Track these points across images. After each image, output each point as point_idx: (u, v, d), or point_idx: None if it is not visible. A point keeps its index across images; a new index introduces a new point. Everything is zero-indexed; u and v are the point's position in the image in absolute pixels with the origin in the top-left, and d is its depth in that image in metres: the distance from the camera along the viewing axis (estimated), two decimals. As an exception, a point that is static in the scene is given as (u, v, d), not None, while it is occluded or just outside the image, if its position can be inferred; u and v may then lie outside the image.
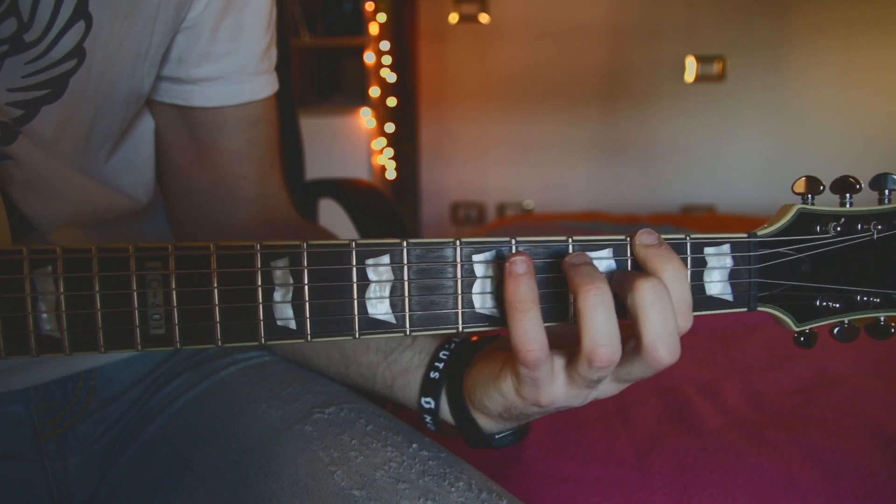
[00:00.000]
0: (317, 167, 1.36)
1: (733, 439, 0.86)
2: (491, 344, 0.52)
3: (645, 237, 0.43)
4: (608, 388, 0.45)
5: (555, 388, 0.43)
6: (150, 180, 0.66)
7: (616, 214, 2.55)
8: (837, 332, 0.48)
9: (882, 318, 0.48)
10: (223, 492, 0.54)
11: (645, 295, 0.39)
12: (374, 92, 2.93)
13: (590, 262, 0.42)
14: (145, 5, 0.52)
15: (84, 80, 0.51)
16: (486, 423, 0.51)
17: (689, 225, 2.18)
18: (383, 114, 3.01)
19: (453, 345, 0.54)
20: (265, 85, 0.64)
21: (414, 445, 0.53)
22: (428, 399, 0.53)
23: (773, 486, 0.78)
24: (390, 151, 3.07)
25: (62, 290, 0.39)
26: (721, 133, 3.09)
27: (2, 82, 0.48)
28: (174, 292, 0.40)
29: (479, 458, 0.89)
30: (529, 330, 0.40)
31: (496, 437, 0.52)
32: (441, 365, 0.53)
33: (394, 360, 0.55)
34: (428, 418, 0.54)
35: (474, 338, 0.53)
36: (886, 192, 0.47)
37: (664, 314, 0.39)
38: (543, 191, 3.27)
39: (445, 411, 0.53)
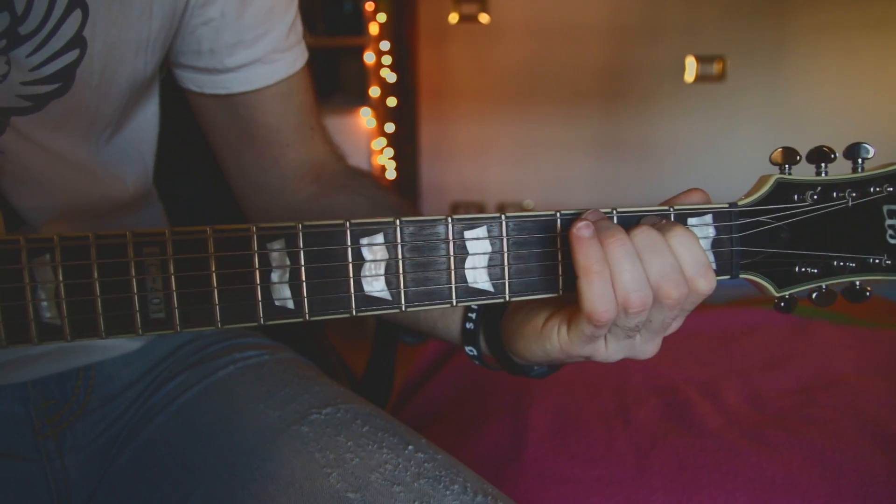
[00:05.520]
0: (316, 167, 1.36)
1: (733, 439, 0.86)
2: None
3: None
4: (646, 348, 0.47)
5: (600, 343, 0.46)
6: (150, 167, 0.67)
7: (616, 214, 2.54)
8: (816, 297, 0.50)
9: (857, 283, 0.50)
10: (220, 493, 0.54)
11: (639, 242, 0.43)
12: (374, 92, 2.93)
13: (597, 223, 0.44)
14: None
15: (88, 69, 0.52)
16: (525, 363, 0.54)
17: (689, 225, 2.18)
18: (383, 114, 3.01)
19: None
20: (297, 57, 0.65)
21: (410, 447, 0.53)
22: (471, 347, 0.57)
23: (773, 486, 0.78)
24: (390, 151, 3.07)
25: (61, 278, 0.39)
26: (721, 133, 3.09)
27: (15, 76, 0.48)
28: (172, 277, 0.40)
29: (479, 458, 0.89)
30: (604, 292, 0.42)
31: (534, 368, 0.55)
32: (473, 315, 0.56)
33: None
34: (476, 361, 0.58)
35: None
36: (860, 160, 0.49)
37: (663, 257, 0.43)
38: (543, 190, 3.26)
39: (486, 350, 0.57)
